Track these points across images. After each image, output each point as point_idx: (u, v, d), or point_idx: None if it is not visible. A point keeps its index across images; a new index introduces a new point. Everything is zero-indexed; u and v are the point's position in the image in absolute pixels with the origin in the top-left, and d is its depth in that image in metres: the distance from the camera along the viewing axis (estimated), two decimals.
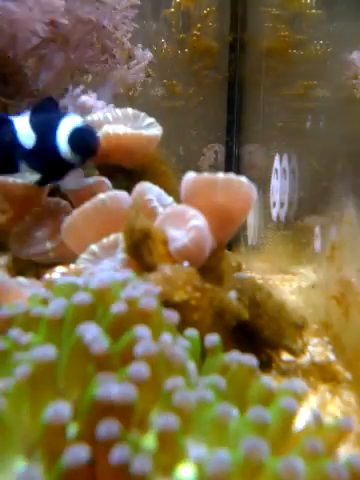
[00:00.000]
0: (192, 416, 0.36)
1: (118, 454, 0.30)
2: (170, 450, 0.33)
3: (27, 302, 0.48)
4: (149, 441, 0.34)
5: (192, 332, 0.48)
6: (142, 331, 0.40)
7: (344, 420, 0.39)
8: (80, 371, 0.38)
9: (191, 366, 0.43)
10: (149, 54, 1.35)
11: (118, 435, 0.31)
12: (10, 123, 0.90)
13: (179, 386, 0.37)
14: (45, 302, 0.46)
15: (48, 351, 0.37)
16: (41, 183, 0.93)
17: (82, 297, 0.43)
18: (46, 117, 0.90)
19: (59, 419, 0.32)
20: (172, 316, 0.46)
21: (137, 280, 0.52)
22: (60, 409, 0.32)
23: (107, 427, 0.31)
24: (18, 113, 0.94)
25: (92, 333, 0.38)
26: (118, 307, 0.42)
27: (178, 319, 0.47)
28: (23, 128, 0.89)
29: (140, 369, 0.35)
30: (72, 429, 0.34)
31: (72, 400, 0.36)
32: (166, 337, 0.42)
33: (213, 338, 0.47)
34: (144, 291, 0.45)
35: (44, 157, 0.89)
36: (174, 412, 0.34)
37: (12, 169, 0.91)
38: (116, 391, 0.33)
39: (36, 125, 0.89)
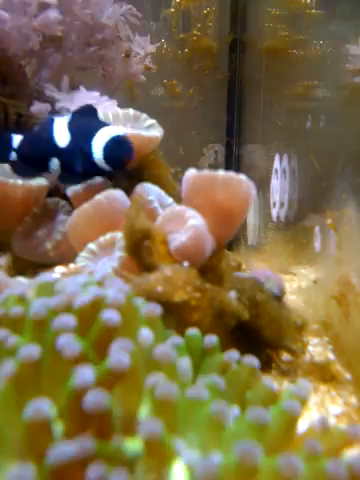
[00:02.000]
0: (188, 411, 0.36)
1: (94, 473, 0.29)
2: (158, 454, 0.32)
3: (2, 303, 0.47)
4: (136, 444, 0.34)
5: (193, 331, 0.48)
6: (110, 315, 0.39)
7: (351, 428, 0.39)
8: (62, 370, 0.38)
9: (184, 363, 0.42)
10: (150, 46, 1.35)
11: (93, 449, 0.30)
12: (51, 121, 0.96)
13: (160, 381, 0.36)
14: (21, 301, 0.46)
15: (33, 351, 0.36)
16: (64, 179, 0.98)
17: (58, 300, 0.42)
18: (87, 122, 0.95)
19: (41, 416, 0.31)
20: (154, 309, 0.46)
21: (113, 278, 0.51)
22: (41, 405, 0.31)
23: (84, 441, 0.30)
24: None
25: (65, 337, 0.37)
26: (82, 299, 0.42)
27: (160, 311, 0.46)
28: (60, 127, 0.95)
29: (120, 359, 0.35)
30: (59, 428, 0.33)
31: (57, 399, 0.36)
32: (145, 332, 0.41)
33: (211, 339, 0.47)
34: (113, 288, 0.44)
35: (76, 158, 0.93)
36: (158, 407, 0.34)
37: (43, 162, 0.97)
38: (92, 381, 0.32)
39: (73, 127, 0.94)
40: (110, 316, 0.39)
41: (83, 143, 0.92)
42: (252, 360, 0.43)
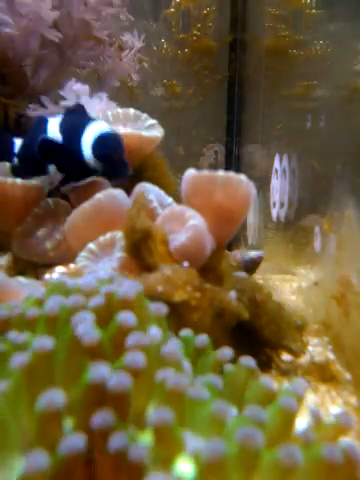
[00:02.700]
0: (189, 411, 0.36)
1: (116, 442, 0.30)
2: (167, 443, 0.33)
3: (22, 304, 0.48)
4: (146, 437, 0.34)
5: (186, 332, 0.48)
6: (126, 316, 0.39)
7: (343, 417, 0.40)
8: (77, 366, 0.38)
9: (186, 365, 0.42)
10: (137, 42, 1.34)
11: (114, 424, 0.31)
12: (45, 122, 0.94)
13: (171, 374, 0.37)
14: (39, 303, 0.46)
15: (46, 342, 0.37)
16: (62, 183, 0.95)
17: (76, 299, 0.43)
18: (74, 121, 0.91)
19: (53, 406, 0.31)
20: (160, 308, 0.46)
21: (121, 277, 0.51)
22: (54, 397, 0.32)
23: (102, 417, 0.31)
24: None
25: (84, 326, 0.38)
26: (96, 300, 0.42)
27: (166, 311, 0.46)
28: (53, 129, 0.92)
29: (136, 358, 0.35)
30: (69, 423, 0.33)
31: (70, 394, 0.36)
32: (154, 331, 0.42)
33: (202, 338, 0.47)
34: (125, 284, 0.45)
35: (68, 159, 0.91)
36: (168, 398, 0.34)
37: (41, 165, 0.94)
38: (109, 377, 0.33)
39: (64, 127, 0.92)
40: (126, 317, 0.40)
41: (73, 142, 0.89)
42: (249, 361, 0.43)
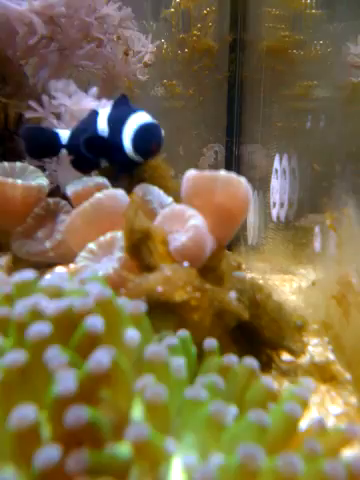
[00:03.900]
0: (182, 414, 0.36)
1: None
2: (148, 456, 0.32)
3: None
4: (126, 448, 0.34)
5: (183, 333, 0.48)
6: (94, 321, 0.38)
7: (349, 427, 0.39)
8: (48, 374, 0.37)
9: (178, 362, 0.42)
10: (151, 45, 1.35)
11: (87, 461, 0.30)
12: (95, 115, 0.94)
13: (149, 383, 0.36)
14: (8, 300, 0.45)
15: (18, 357, 0.35)
16: (115, 177, 0.95)
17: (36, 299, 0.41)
18: (119, 113, 0.91)
19: (26, 422, 0.31)
20: (138, 307, 0.45)
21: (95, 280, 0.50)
22: (26, 412, 0.31)
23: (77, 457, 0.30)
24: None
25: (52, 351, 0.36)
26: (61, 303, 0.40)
27: (145, 308, 0.45)
28: (102, 121, 0.93)
29: (100, 357, 0.34)
30: (46, 432, 0.33)
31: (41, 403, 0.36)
32: (131, 333, 0.41)
33: (211, 342, 0.46)
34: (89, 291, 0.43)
35: (114, 152, 0.91)
36: (149, 409, 0.33)
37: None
38: (73, 386, 0.32)
39: (110, 119, 0.92)
40: (93, 323, 0.38)
41: (116, 135, 0.89)
42: (251, 361, 0.43)
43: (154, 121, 0.89)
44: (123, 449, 0.34)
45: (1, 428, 0.34)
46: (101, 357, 0.34)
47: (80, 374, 0.34)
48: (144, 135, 0.87)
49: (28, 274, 0.46)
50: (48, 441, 0.32)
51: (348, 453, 0.39)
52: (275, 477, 0.31)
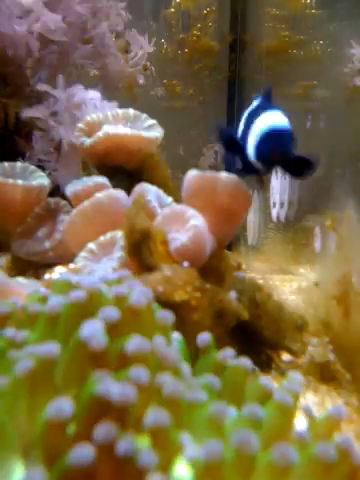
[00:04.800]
0: (187, 414, 0.36)
1: (123, 447, 0.30)
2: (164, 446, 0.32)
3: (25, 299, 0.47)
4: (144, 442, 0.34)
5: (176, 335, 0.48)
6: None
7: (334, 410, 0.40)
8: (78, 370, 0.38)
9: (186, 368, 0.42)
10: (149, 46, 1.34)
11: (116, 436, 0.30)
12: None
13: (169, 380, 0.36)
14: (44, 300, 0.46)
15: (51, 348, 0.36)
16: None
17: (77, 295, 0.42)
18: (253, 111, 0.79)
19: (61, 416, 0.31)
20: (167, 317, 0.45)
21: (132, 279, 0.50)
22: (62, 406, 0.31)
23: (105, 428, 0.31)
24: None
25: (90, 329, 0.37)
26: (108, 311, 0.41)
27: (173, 320, 0.45)
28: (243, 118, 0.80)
29: (139, 373, 0.35)
30: (69, 429, 0.33)
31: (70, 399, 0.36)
32: (159, 340, 0.41)
33: (205, 337, 0.46)
34: (136, 290, 0.44)
35: (242, 155, 0.77)
36: (165, 405, 0.34)
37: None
38: (116, 390, 0.32)
39: (246, 118, 0.79)
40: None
41: (244, 137, 0.76)
42: (246, 362, 0.43)
43: (283, 124, 0.74)
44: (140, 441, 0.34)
45: (19, 419, 0.34)
46: (141, 372, 0.35)
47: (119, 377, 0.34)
48: (269, 143, 0.71)
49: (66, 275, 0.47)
50: (76, 439, 0.32)
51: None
52: (270, 469, 0.32)
